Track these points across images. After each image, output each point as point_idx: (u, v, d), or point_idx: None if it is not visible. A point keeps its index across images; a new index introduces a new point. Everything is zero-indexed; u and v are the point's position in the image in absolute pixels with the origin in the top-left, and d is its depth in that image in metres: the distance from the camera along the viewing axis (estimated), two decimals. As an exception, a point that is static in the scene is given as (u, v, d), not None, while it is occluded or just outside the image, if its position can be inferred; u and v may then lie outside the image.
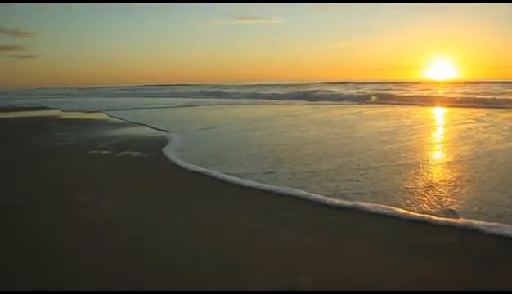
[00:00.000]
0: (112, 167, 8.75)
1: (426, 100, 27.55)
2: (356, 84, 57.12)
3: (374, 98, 31.11)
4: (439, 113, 20.65)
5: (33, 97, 54.76)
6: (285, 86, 59.76)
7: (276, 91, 46.52)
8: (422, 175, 7.20)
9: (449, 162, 8.24)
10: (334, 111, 22.34)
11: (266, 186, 6.62)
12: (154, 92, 61.04)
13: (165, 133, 13.77)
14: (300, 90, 42.47)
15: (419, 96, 30.06)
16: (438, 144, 10.83)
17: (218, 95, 45.33)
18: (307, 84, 60.76)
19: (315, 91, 39.58)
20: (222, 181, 7.13)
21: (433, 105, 25.15)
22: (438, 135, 12.78)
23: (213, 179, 7.37)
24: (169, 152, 9.88)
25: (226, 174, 7.51)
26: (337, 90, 42.07)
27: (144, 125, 16.67)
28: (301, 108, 25.04)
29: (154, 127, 15.60)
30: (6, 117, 23.86)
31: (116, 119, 19.66)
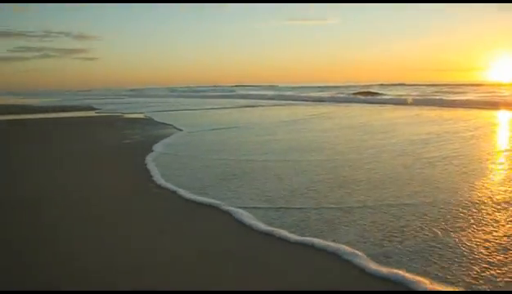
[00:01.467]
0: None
1: (489, 104, 24.80)
2: (413, 86, 54.19)
3: (432, 101, 28.67)
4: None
5: (99, 97, 56.42)
6: (348, 86, 58.05)
7: (332, 92, 45.02)
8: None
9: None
10: (394, 113, 20.47)
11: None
12: (215, 94, 60.57)
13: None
14: (356, 90, 41.07)
15: (477, 100, 27.29)
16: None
17: (281, 96, 43.87)
18: (364, 85, 58.85)
19: (371, 92, 37.83)
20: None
21: (497, 109, 22.49)
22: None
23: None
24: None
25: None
26: (391, 92, 39.92)
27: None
28: (362, 111, 23.11)
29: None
30: (82, 116, 23.78)
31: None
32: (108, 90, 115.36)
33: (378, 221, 4.75)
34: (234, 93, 58.29)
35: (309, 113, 21.32)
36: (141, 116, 22.29)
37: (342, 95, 38.38)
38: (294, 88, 62.97)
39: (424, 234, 4.33)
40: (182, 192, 6.21)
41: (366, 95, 36.39)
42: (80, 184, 6.97)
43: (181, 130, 15.05)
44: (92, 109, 31.39)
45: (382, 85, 62.33)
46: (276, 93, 50.21)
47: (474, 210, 5.06)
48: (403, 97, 32.24)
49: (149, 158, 8.97)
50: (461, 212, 5.00)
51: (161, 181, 6.90)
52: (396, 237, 4.27)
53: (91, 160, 9.37)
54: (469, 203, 5.33)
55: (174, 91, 74.73)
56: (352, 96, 36.62)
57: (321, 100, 35.31)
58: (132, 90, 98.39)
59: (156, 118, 19.55)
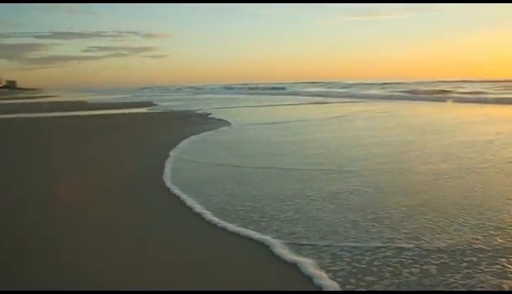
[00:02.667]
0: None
1: None
2: (479, 83, 51.22)
3: None
4: None
5: (163, 94, 58.24)
6: (417, 83, 55.85)
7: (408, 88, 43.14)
8: None
9: None
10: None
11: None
12: (272, 91, 60.74)
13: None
14: (433, 88, 38.97)
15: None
16: None
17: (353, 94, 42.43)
18: (443, 82, 56.26)
19: (446, 90, 35.79)
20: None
21: None
22: None
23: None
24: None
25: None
26: (465, 89, 37.70)
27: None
28: (433, 109, 22.23)
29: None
30: (142, 112, 24.83)
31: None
32: (172, 86, 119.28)
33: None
34: (289, 90, 57.89)
35: (371, 111, 20.71)
36: (199, 111, 22.70)
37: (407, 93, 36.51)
38: (352, 85, 61.47)
39: None
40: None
41: (438, 93, 34.21)
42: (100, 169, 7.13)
43: (230, 124, 15.33)
44: (152, 105, 32.55)
45: (446, 81, 59.35)
46: (336, 90, 48.98)
47: None
48: (479, 95, 30.33)
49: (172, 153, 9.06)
50: None
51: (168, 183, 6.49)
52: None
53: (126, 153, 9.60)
54: None
55: (239, 89, 75.48)
56: (420, 95, 34.54)
57: (385, 98, 33.81)
58: (194, 87, 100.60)
59: (213, 114, 19.80)
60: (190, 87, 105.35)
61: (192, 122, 16.82)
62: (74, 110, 26.81)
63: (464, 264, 3.32)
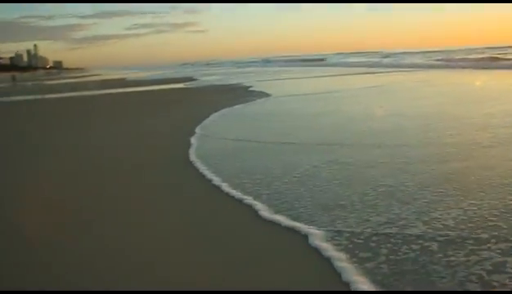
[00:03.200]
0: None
1: None
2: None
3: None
4: None
5: (205, 69, 58.88)
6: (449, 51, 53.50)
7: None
8: None
9: None
10: None
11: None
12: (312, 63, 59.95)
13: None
14: (480, 55, 36.56)
15: None
16: None
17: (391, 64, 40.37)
18: (491, 48, 53.28)
19: (494, 57, 33.37)
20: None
21: None
22: None
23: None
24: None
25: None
26: None
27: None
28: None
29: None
30: (182, 87, 25.04)
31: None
32: (214, 61, 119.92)
33: None
34: (328, 61, 56.95)
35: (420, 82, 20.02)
36: (240, 84, 22.74)
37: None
38: (393, 54, 59.64)
39: None
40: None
41: (485, 61, 31.93)
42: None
43: (269, 95, 15.37)
44: (192, 79, 32.87)
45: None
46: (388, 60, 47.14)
47: None
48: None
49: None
50: None
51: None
52: None
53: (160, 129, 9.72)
54: None
55: (279, 61, 74.95)
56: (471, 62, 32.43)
57: (427, 67, 32.44)
58: (235, 61, 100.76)
59: (253, 87, 19.79)
60: (231, 61, 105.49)
61: (233, 94, 16.82)
62: (115, 88, 27.45)
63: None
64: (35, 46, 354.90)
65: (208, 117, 10.42)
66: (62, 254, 3.41)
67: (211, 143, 7.44)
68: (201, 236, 3.63)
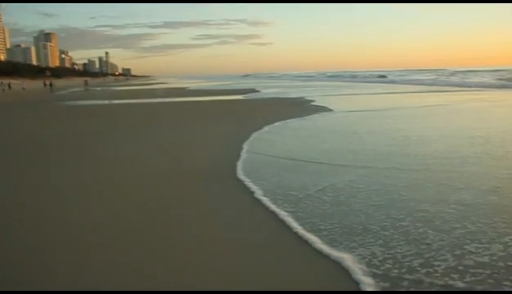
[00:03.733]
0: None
1: None
2: None
3: None
4: None
5: (267, 81, 59.51)
6: None
7: None
8: None
9: None
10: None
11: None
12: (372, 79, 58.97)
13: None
14: None
15: None
16: None
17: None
18: None
19: None
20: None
21: None
22: None
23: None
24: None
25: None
26: None
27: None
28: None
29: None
30: (243, 99, 25.65)
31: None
32: (275, 73, 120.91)
33: None
34: (390, 78, 55.67)
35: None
36: (303, 98, 22.79)
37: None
38: (459, 72, 57.36)
39: None
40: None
41: None
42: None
43: (331, 110, 15.44)
44: (254, 91, 33.38)
45: None
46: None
47: None
48: None
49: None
50: None
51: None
52: None
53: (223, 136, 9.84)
54: None
55: (341, 76, 74.38)
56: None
57: (497, 87, 30.76)
58: (296, 74, 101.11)
59: (316, 102, 19.71)
60: (293, 74, 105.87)
61: (296, 108, 16.91)
62: (176, 97, 28.36)
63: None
64: (106, 53, 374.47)
65: (261, 128, 10.61)
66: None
67: (257, 159, 7.38)
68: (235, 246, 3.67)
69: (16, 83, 64.37)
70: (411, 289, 2.82)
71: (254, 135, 9.88)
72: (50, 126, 13.80)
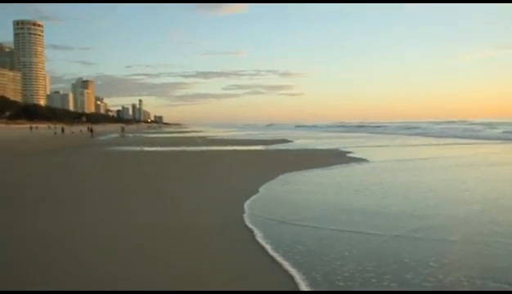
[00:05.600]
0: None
1: None
2: None
3: None
4: None
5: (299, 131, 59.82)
6: None
7: None
8: None
9: None
10: None
11: None
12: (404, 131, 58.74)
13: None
14: None
15: None
16: None
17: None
18: None
19: None
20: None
21: None
22: None
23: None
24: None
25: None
26: None
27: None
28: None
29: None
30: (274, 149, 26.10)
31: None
32: (306, 123, 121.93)
33: None
34: (423, 130, 55.36)
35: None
36: (340, 150, 22.95)
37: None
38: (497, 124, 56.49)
39: None
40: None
41: None
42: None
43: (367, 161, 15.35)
44: (286, 141, 34.08)
45: None
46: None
47: None
48: None
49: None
50: None
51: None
52: None
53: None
54: None
55: (371, 127, 74.47)
56: None
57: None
58: (327, 125, 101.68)
59: (353, 153, 19.88)
60: (322, 125, 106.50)
61: (336, 161, 16.38)
62: (217, 145, 29.09)
63: None
64: (140, 101, 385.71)
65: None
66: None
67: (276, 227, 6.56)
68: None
69: (64, 128, 71.33)
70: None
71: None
72: (102, 171, 14.52)
